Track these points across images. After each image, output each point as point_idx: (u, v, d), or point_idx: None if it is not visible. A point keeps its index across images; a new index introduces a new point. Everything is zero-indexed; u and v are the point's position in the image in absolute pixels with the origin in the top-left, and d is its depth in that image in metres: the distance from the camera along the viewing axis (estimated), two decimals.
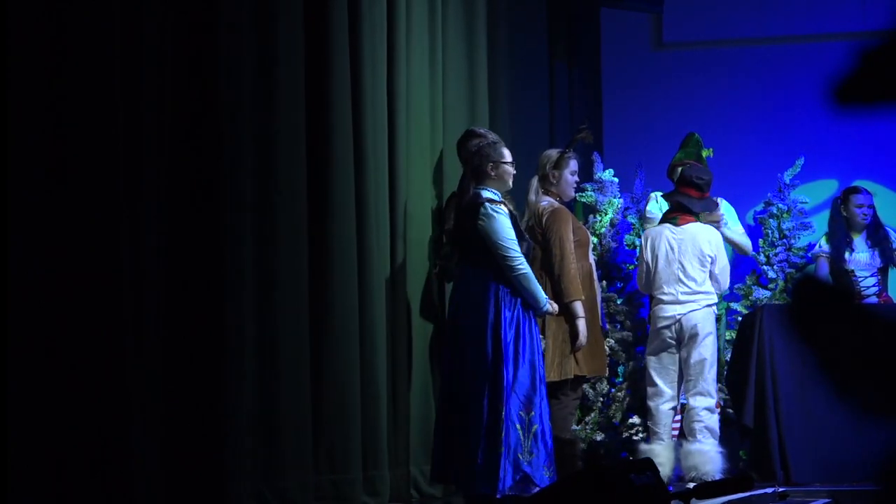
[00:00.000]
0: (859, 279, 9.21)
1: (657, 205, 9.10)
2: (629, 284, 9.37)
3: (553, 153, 7.73)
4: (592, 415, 9.11)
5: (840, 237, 9.26)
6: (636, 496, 3.90)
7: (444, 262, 7.37)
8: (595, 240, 9.24)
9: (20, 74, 4.88)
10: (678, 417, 8.44)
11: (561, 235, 7.41)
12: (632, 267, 9.29)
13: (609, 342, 8.99)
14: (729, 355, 8.83)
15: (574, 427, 7.91)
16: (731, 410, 8.69)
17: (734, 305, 9.39)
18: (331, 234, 6.56)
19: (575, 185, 7.80)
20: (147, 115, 5.37)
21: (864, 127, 9.42)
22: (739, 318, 8.99)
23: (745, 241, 9.21)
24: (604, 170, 9.53)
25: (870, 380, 2.06)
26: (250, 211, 6.01)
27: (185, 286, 5.60)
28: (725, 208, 9.12)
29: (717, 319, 8.68)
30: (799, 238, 9.44)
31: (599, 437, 9.11)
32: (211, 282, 5.73)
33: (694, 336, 8.19)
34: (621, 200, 9.48)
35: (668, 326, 8.24)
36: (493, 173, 6.87)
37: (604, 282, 9.18)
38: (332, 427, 6.50)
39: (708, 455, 8.11)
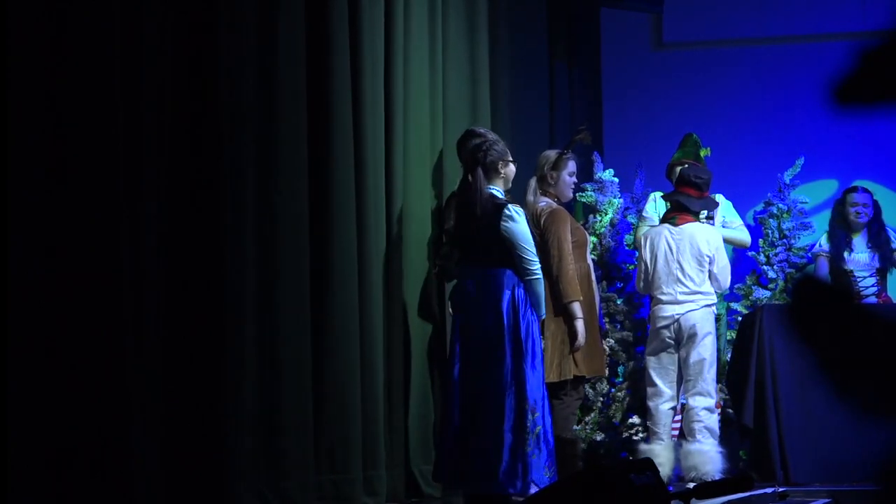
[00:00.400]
0: (858, 279, 9.21)
1: (654, 205, 9.10)
2: (629, 284, 9.37)
3: (551, 154, 7.73)
4: (592, 415, 9.11)
5: (840, 237, 9.26)
6: (636, 496, 3.89)
7: (444, 262, 7.37)
8: (595, 240, 9.25)
9: (20, 74, 4.87)
10: (678, 417, 8.44)
11: (559, 236, 7.41)
12: (631, 267, 9.30)
13: (609, 342, 9.00)
14: (729, 355, 8.83)
15: (574, 427, 7.91)
16: (730, 410, 8.69)
17: (734, 305, 9.39)
18: (331, 234, 6.56)
19: (573, 187, 7.80)
20: (147, 115, 5.37)
21: (864, 127, 9.41)
22: (739, 318, 8.99)
23: (742, 234, 9.20)
24: (604, 170, 9.54)
25: (870, 380, 2.06)
26: (250, 211, 6.01)
27: (185, 286, 5.60)
28: (722, 202, 9.13)
29: (717, 319, 8.68)
30: (799, 238, 9.44)
31: (599, 437, 9.11)
32: (211, 282, 5.72)
33: (693, 336, 8.19)
34: (621, 200, 9.48)
35: (666, 326, 8.25)
36: (502, 171, 6.91)
37: (604, 282, 9.19)
38: (333, 427, 6.50)
39: (708, 455, 8.12)
